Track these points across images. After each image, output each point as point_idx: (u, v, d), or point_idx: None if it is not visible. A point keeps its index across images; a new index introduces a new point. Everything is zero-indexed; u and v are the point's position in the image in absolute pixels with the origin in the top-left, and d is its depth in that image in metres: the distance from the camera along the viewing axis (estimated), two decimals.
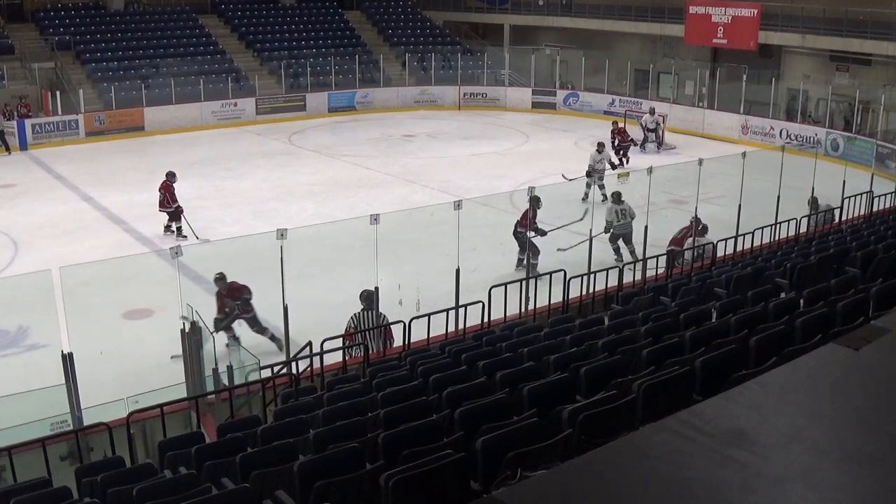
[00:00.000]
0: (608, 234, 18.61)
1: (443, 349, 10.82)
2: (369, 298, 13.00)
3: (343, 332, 12.70)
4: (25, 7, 41.00)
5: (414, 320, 12.37)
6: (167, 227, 21.81)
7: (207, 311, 13.28)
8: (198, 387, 11.55)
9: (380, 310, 13.19)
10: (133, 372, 12.42)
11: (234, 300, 14.78)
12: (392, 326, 12.64)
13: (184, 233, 21.38)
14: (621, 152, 28.72)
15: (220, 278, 14.87)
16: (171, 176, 22.06)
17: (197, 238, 20.94)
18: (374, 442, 7.02)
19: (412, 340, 12.25)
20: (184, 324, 11.94)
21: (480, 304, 12.91)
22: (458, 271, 14.27)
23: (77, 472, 8.26)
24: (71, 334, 11.81)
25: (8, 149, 33.32)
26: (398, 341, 12.54)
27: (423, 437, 6.79)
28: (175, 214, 21.77)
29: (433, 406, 7.91)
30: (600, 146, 25.48)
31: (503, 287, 13.40)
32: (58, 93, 35.81)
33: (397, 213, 18.04)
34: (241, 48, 42.70)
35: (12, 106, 34.44)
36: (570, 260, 15.29)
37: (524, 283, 13.95)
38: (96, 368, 12.02)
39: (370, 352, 11.98)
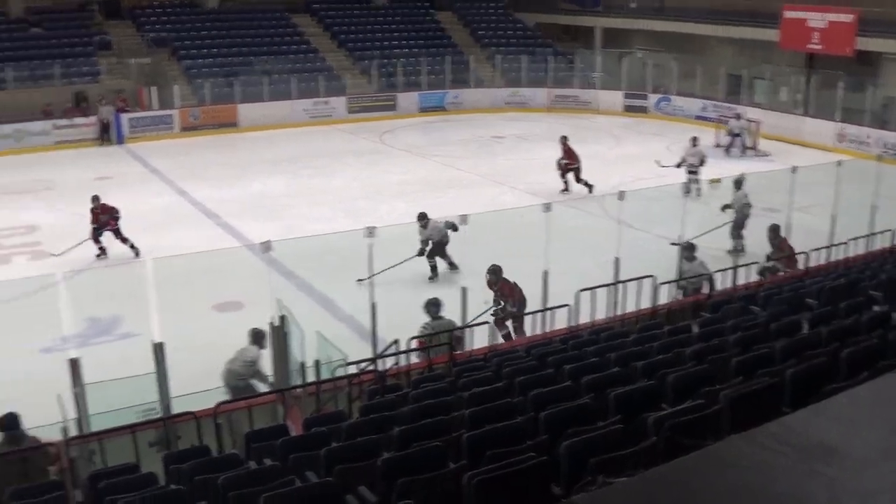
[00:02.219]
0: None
1: (528, 352, 10.82)
2: (436, 305, 13.02)
3: (415, 337, 12.76)
4: (123, 4, 42.01)
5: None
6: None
7: (297, 306, 13.43)
8: (285, 380, 11.73)
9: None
10: (222, 363, 12.60)
11: None
12: (477, 328, 12.65)
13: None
14: (565, 175, 25.82)
15: None
16: (93, 199, 20.59)
17: (54, 254, 19.89)
18: (458, 441, 7.06)
19: (497, 342, 12.26)
20: (272, 317, 12.15)
21: (567, 307, 12.88)
22: (545, 274, 14.25)
23: (165, 459, 8.44)
24: (162, 324, 12.06)
25: (110, 140, 34.37)
26: (483, 342, 12.54)
27: (507, 439, 6.81)
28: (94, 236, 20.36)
29: (517, 408, 7.92)
30: (694, 140, 25.32)
31: (591, 291, 13.32)
32: (154, 88, 36.70)
33: (486, 214, 18.05)
34: (334, 47, 43.11)
35: (110, 100, 35.40)
36: (661, 265, 15.13)
37: (613, 287, 13.87)
38: (186, 358, 12.22)
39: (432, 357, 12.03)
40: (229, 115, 37.10)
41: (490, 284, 14.82)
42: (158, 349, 10.96)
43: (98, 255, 20.18)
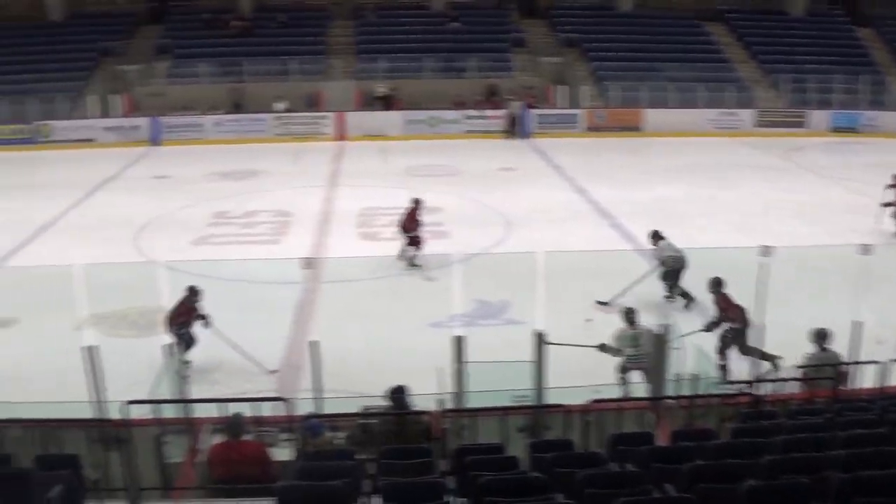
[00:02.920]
0: None
1: None
2: (823, 336, 12.41)
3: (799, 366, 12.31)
4: (539, 3, 43.58)
5: (894, 363, 11.71)
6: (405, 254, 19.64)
7: (680, 316, 13.39)
8: (660, 389, 11.78)
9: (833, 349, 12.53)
10: (599, 362, 12.84)
11: None
12: (867, 367, 12.00)
13: (416, 262, 19.43)
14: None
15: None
16: (415, 202, 19.85)
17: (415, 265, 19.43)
18: (827, 481, 6.84)
19: (888, 384, 11.60)
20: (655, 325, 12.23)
21: None
22: None
23: (530, 446, 8.81)
24: (546, 315, 12.42)
25: (516, 133, 35.90)
26: (870, 382, 11.90)
27: (881, 489, 6.54)
28: (414, 242, 19.54)
29: None
30: None
31: None
32: (562, 87, 37.86)
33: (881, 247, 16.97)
34: (745, 58, 42.08)
35: (519, 95, 37.04)
36: None
37: None
38: (565, 351, 12.47)
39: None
40: (634, 119, 37.56)
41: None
42: (540, 339, 11.31)
43: (411, 260, 19.54)
